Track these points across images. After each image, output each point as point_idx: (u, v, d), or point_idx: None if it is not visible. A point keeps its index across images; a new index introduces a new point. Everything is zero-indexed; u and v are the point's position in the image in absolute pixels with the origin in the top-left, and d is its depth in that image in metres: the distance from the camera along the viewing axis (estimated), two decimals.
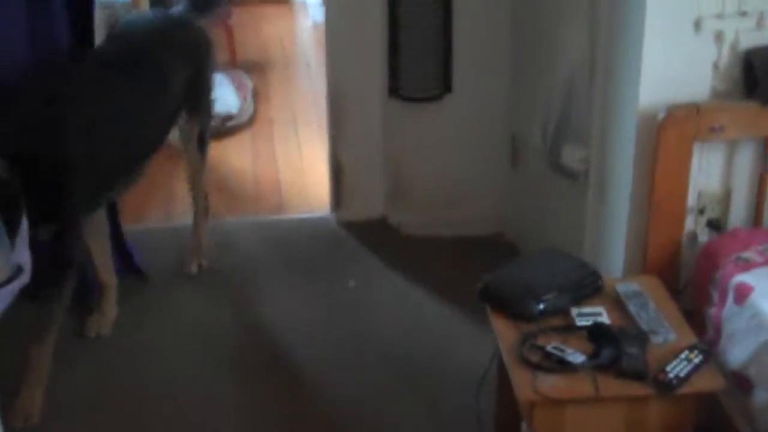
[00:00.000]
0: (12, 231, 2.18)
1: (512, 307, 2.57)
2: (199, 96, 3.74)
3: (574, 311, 2.56)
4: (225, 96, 5.24)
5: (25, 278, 2.02)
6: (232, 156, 5.06)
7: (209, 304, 3.77)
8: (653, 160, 2.78)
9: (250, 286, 3.87)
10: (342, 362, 3.42)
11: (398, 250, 4.09)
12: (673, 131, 2.74)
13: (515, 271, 2.72)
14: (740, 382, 2.44)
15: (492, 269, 2.72)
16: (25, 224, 2.20)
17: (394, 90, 4.06)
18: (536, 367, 2.38)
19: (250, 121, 5.39)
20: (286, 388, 3.30)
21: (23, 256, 2.11)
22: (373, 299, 3.77)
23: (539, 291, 2.56)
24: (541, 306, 2.54)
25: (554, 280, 2.61)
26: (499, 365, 2.80)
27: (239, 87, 5.51)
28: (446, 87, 4.04)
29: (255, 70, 6.09)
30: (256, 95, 5.66)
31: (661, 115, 2.75)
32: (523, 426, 2.91)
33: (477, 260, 3.73)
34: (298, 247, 4.16)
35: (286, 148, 5.14)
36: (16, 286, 2.00)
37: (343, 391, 3.28)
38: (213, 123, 5.09)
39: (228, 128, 5.21)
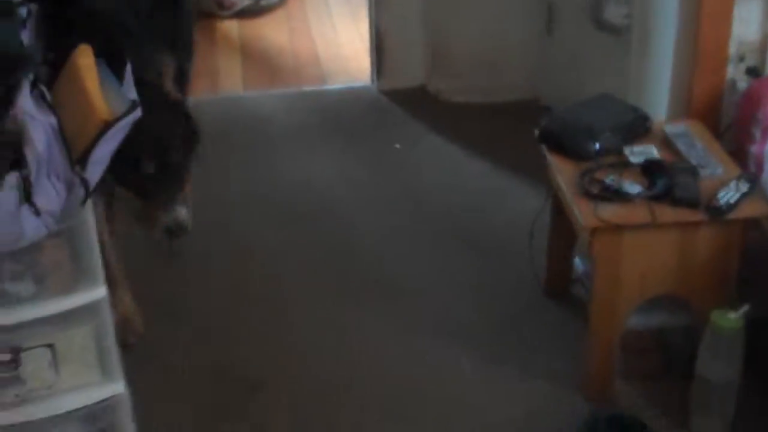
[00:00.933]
0: (118, 73, 2.34)
1: (570, 147, 2.75)
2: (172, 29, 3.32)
3: (627, 150, 2.74)
4: None
5: (138, 113, 2.17)
6: (268, 33, 5.17)
7: (259, 166, 3.93)
8: (698, 11, 2.93)
9: (299, 151, 4.02)
10: (392, 213, 3.60)
11: (438, 115, 4.23)
12: None
13: (571, 115, 2.87)
14: None
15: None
16: (129, 66, 2.34)
17: None
18: (597, 198, 2.57)
19: (283, 1, 5.50)
20: (339, 233, 3.50)
21: (132, 93, 2.26)
22: (418, 159, 3.94)
23: (595, 131, 2.74)
24: (597, 145, 2.72)
25: (607, 122, 2.78)
26: (552, 206, 3.01)
27: None
28: None
29: None
30: None
31: None
32: (576, 262, 3.14)
33: (514, 123, 3.90)
34: (342, 115, 4.30)
35: (320, 24, 5.24)
36: (130, 119, 2.15)
37: (392, 239, 3.47)
38: (246, 3, 5.25)
39: (262, 7, 5.33)
